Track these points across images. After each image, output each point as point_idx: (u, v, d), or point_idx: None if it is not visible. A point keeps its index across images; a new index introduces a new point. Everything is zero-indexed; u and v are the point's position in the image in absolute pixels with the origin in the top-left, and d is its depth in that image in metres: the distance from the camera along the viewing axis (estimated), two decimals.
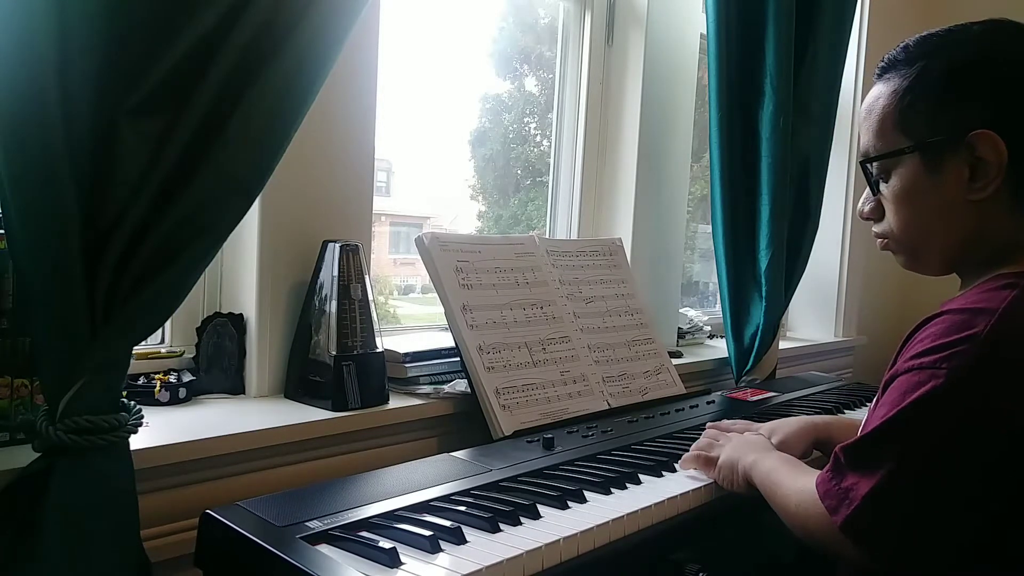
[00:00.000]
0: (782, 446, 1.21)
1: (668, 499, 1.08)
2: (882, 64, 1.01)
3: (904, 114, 0.96)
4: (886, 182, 1.00)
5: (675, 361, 1.84)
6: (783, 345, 2.24)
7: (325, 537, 0.88)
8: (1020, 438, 0.83)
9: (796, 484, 1.00)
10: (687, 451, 1.24)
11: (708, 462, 1.18)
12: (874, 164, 1.00)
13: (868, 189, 1.04)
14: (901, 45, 1.00)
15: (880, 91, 1.00)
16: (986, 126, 0.91)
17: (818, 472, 0.96)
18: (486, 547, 0.88)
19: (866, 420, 0.97)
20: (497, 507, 0.98)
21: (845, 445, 0.92)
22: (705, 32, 1.91)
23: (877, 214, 1.03)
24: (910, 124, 0.96)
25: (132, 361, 0.94)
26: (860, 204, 1.06)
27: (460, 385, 1.42)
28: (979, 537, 0.87)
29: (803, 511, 0.96)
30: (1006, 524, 0.86)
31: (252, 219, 1.28)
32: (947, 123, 0.93)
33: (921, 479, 0.86)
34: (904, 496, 0.87)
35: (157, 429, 1.10)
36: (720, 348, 2.16)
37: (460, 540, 0.89)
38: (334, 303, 1.28)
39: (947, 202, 0.95)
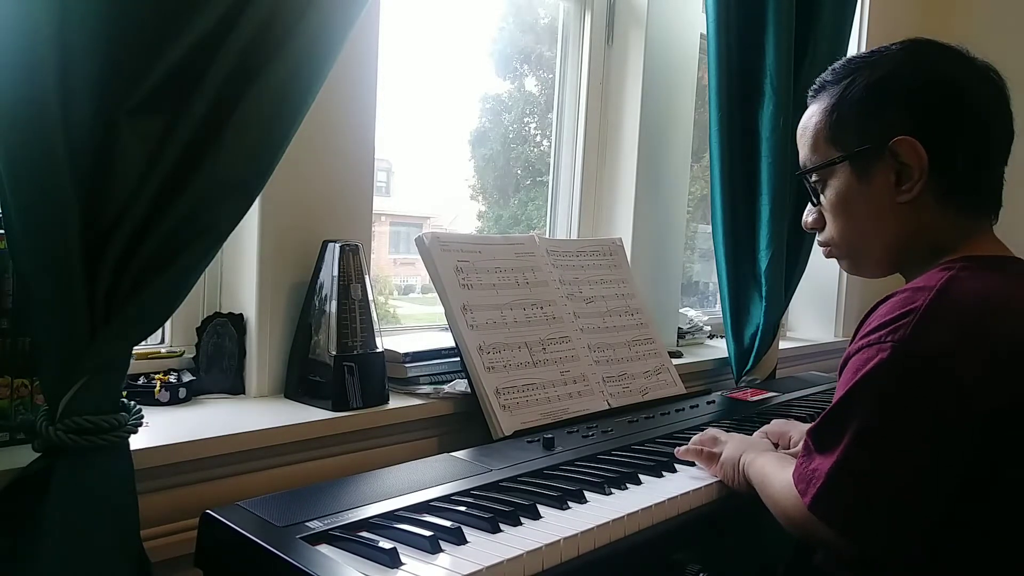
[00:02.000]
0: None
1: (668, 499, 1.08)
2: (815, 86, 1.09)
3: (834, 128, 1.05)
4: (823, 192, 1.08)
5: (675, 361, 1.84)
6: (783, 345, 2.24)
7: (325, 537, 0.88)
8: (969, 402, 0.87)
9: (782, 475, 1.03)
10: None
11: (711, 458, 1.20)
12: (811, 176, 1.09)
13: (810, 202, 1.11)
14: (830, 68, 1.08)
15: (813, 110, 1.09)
16: (907, 133, 0.99)
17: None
18: (486, 547, 0.88)
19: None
20: (497, 507, 0.98)
21: (811, 428, 0.97)
22: (705, 32, 1.91)
23: (819, 224, 1.11)
24: (840, 137, 1.04)
25: (132, 361, 0.94)
26: (804, 216, 1.14)
27: (460, 385, 1.42)
28: (943, 507, 0.89)
29: (782, 498, 1.00)
30: (971, 492, 0.89)
31: (252, 219, 1.28)
32: (872, 133, 1.01)
33: (875, 450, 0.90)
34: (861, 468, 0.90)
35: (157, 429, 1.10)
36: (720, 348, 2.16)
37: (460, 540, 0.89)
38: (334, 303, 1.28)
39: (878, 206, 1.03)
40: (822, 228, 1.11)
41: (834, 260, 1.14)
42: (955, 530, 0.90)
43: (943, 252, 1.01)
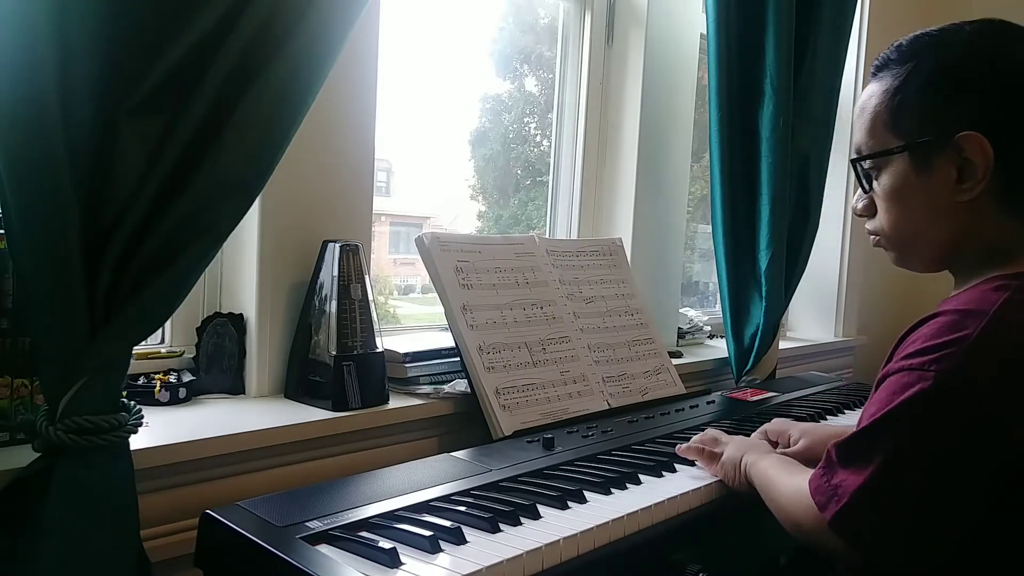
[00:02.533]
0: (808, 452, 1.21)
1: (668, 499, 1.08)
2: (876, 63, 1.01)
3: (894, 113, 0.97)
4: (877, 180, 1.01)
5: (675, 361, 1.84)
6: (783, 345, 2.24)
7: (325, 537, 0.88)
8: (1008, 440, 0.84)
9: (790, 481, 1.01)
10: None
11: (712, 457, 1.20)
12: (865, 162, 1.01)
13: (861, 188, 1.05)
14: (895, 44, 1.00)
15: (873, 90, 1.00)
16: (974, 127, 0.91)
17: (812, 471, 0.97)
18: (486, 547, 0.88)
19: (860, 418, 0.97)
20: (497, 507, 0.98)
21: (837, 442, 0.94)
22: (705, 32, 1.91)
23: (870, 211, 1.04)
24: (900, 123, 0.97)
25: (132, 361, 0.94)
26: (854, 200, 1.07)
27: (460, 385, 1.42)
28: (968, 536, 0.87)
29: (794, 507, 0.98)
30: (996, 525, 0.87)
31: (252, 219, 1.28)
32: (936, 123, 0.94)
33: (907, 478, 0.87)
34: (890, 494, 0.88)
35: (157, 429, 1.10)
36: (720, 348, 2.16)
37: (460, 540, 0.89)
38: (334, 303, 1.28)
39: (935, 202, 0.96)
40: (872, 216, 1.04)
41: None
42: (971, 547, 0.88)
43: (997, 258, 0.95)
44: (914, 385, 0.86)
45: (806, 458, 1.17)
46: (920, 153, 0.96)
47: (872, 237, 1.06)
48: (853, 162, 1.03)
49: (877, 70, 1.01)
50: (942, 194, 0.95)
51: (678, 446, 1.25)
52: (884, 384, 0.91)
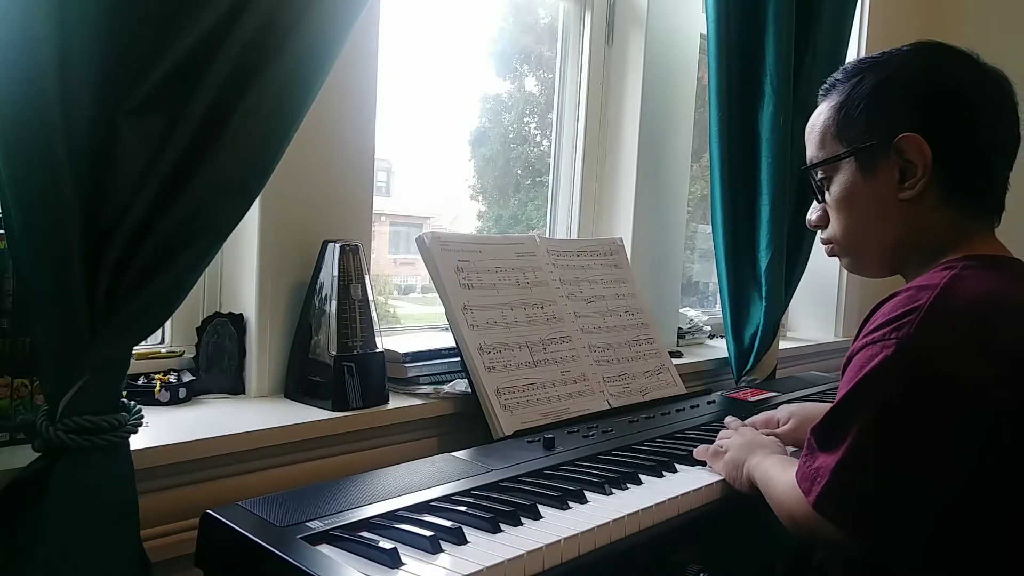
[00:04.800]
0: (797, 432, 1.26)
1: (669, 499, 1.08)
2: (826, 85, 1.11)
3: (841, 125, 1.06)
4: (828, 190, 1.09)
5: (675, 361, 1.83)
6: (783, 345, 2.24)
7: (325, 537, 0.88)
8: (971, 401, 0.87)
9: (785, 476, 1.03)
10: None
11: (716, 454, 1.21)
12: (817, 172, 1.09)
13: (815, 200, 1.12)
14: (841, 68, 1.10)
15: (822, 108, 1.10)
16: (912, 131, 1.00)
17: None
18: (487, 547, 0.88)
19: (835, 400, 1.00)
20: (498, 507, 0.98)
21: (814, 426, 0.97)
22: (705, 32, 1.91)
23: (823, 221, 1.12)
24: (846, 133, 1.05)
25: (132, 361, 0.94)
26: (809, 214, 1.15)
27: (460, 385, 1.41)
28: (947, 505, 0.89)
29: (787, 498, 1.00)
30: (973, 492, 0.89)
31: (252, 219, 1.28)
32: (878, 130, 1.02)
33: (879, 447, 0.90)
34: (865, 466, 0.90)
35: (157, 429, 1.10)
36: (720, 348, 2.16)
37: (461, 540, 0.89)
38: (334, 303, 1.28)
39: (881, 203, 1.04)
40: (826, 226, 1.12)
41: (835, 260, 1.14)
42: (957, 530, 0.90)
43: (944, 252, 1.02)
44: (877, 356, 0.91)
45: (796, 438, 1.24)
46: (865, 158, 1.04)
47: (826, 246, 1.14)
48: (804, 172, 1.11)
49: (826, 91, 1.10)
50: (887, 195, 1.03)
51: (696, 448, 1.25)
52: (851, 363, 0.95)
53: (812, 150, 1.11)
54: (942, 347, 0.88)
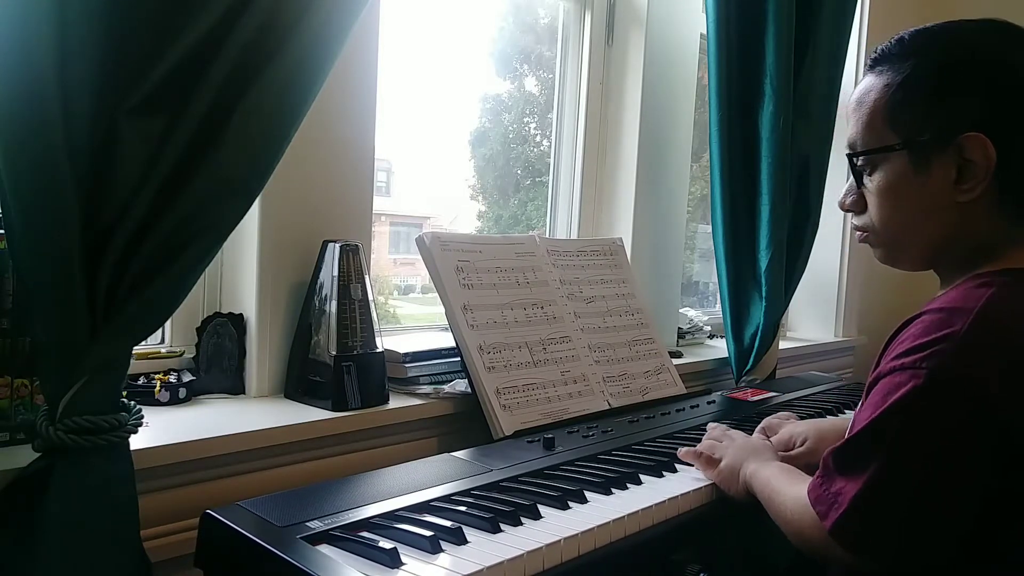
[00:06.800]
0: (812, 455, 1.19)
1: (669, 499, 1.08)
2: (875, 55, 0.99)
3: (894, 110, 0.95)
4: (870, 176, 0.99)
5: (675, 361, 1.83)
6: (783, 345, 2.24)
7: (325, 537, 0.88)
8: (1007, 435, 0.83)
9: (791, 491, 1.00)
10: None
11: (710, 463, 1.18)
12: (860, 157, 1.00)
13: (850, 181, 1.03)
14: (896, 38, 0.98)
15: (871, 83, 0.98)
16: (976, 128, 0.90)
17: (812, 479, 0.96)
18: (487, 547, 0.88)
19: (852, 423, 0.97)
20: (498, 507, 0.98)
21: (833, 449, 0.93)
22: (705, 32, 1.91)
23: (859, 207, 1.03)
24: (900, 121, 0.95)
25: (132, 361, 0.94)
26: (842, 196, 1.05)
27: (460, 385, 1.41)
28: (970, 537, 0.86)
29: (797, 518, 0.97)
30: (997, 523, 0.86)
31: (252, 219, 1.28)
32: (937, 123, 0.92)
33: (905, 479, 0.86)
34: (889, 497, 0.86)
35: (157, 429, 1.10)
36: (720, 348, 2.16)
37: (461, 540, 0.89)
38: (334, 303, 1.28)
39: (932, 202, 0.95)
40: (860, 211, 1.03)
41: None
42: (974, 551, 0.87)
43: (984, 256, 0.95)
44: (907, 384, 0.85)
45: (810, 462, 1.15)
46: (919, 152, 0.94)
47: (859, 233, 1.05)
48: (848, 156, 1.02)
49: (875, 63, 0.99)
50: (940, 193, 0.94)
51: (679, 450, 1.24)
52: (876, 387, 0.90)
53: (856, 130, 1.00)
54: (976, 378, 0.83)
